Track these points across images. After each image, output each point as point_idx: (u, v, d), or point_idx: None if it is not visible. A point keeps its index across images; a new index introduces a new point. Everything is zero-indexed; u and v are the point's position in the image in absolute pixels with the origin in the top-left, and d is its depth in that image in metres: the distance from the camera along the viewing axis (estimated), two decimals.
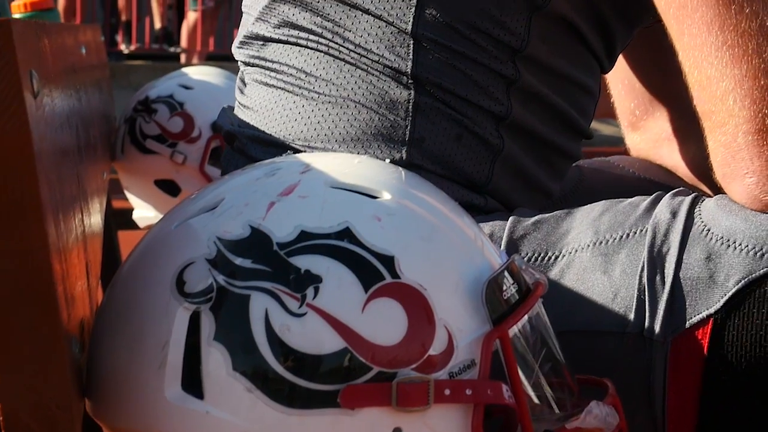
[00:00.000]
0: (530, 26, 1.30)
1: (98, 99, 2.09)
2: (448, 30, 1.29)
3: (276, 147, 1.34)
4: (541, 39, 1.31)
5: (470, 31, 1.29)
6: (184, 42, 9.18)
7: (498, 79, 1.31)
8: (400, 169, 1.03)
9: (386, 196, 0.97)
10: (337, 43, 1.32)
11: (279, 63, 1.37)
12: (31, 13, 2.24)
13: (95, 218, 1.45)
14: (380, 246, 0.92)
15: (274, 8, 1.37)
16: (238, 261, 0.91)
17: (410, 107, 1.30)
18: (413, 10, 1.29)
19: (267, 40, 1.39)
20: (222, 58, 7.96)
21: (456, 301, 0.94)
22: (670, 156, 1.60)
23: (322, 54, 1.33)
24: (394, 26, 1.30)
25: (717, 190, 1.27)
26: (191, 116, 2.54)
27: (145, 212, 2.61)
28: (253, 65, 1.42)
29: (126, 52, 9.50)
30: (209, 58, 9.12)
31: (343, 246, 0.91)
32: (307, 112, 1.33)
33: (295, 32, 1.35)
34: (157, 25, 9.64)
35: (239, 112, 1.43)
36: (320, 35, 1.33)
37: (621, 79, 1.62)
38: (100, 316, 0.99)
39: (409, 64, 1.30)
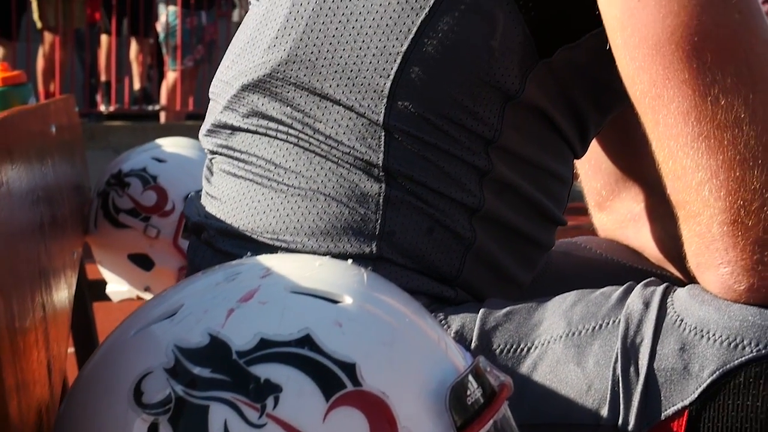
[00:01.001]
0: (503, 116, 1.28)
1: (70, 172, 2.07)
2: (420, 121, 1.27)
3: (244, 240, 1.32)
4: (514, 128, 1.30)
5: (443, 122, 1.27)
6: (163, 100, 9.21)
7: (471, 171, 1.29)
8: (363, 270, 1.01)
9: (347, 300, 0.95)
10: (307, 134, 1.30)
11: (247, 153, 1.35)
12: (2, 89, 2.23)
13: (61, 295, 1.43)
14: (341, 353, 0.90)
15: (243, 97, 1.36)
16: (197, 370, 0.89)
17: (381, 201, 1.28)
18: (385, 101, 1.27)
19: (235, 129, 1.37)
20: (201, 117, 7.98)
21: (419, 407, 0.92)
22: (636, 237, 1.59)
23: (292, 145, 1.31)
24: (365, 117, 1.28)
25: (683, 270, 1.26)
26: (164, 190, 2.52)
27: (118, 287, 2.59)
28: (220, 154, 1.39)
29: (105, 112, 9.52)
30: (189, 117, 9.16)
31: (303, 354, 0.89)
32: (275, 204, 1.31)
33: (264, 122, 1.33)
34: (137, 85, 9.67)
35: (206, 202, 1.41)
36: (290, 126, 1.31)
37: (588, 159, 1.61)
38: (59, 424, 0.97)
39: (381, 155, 1.28)
